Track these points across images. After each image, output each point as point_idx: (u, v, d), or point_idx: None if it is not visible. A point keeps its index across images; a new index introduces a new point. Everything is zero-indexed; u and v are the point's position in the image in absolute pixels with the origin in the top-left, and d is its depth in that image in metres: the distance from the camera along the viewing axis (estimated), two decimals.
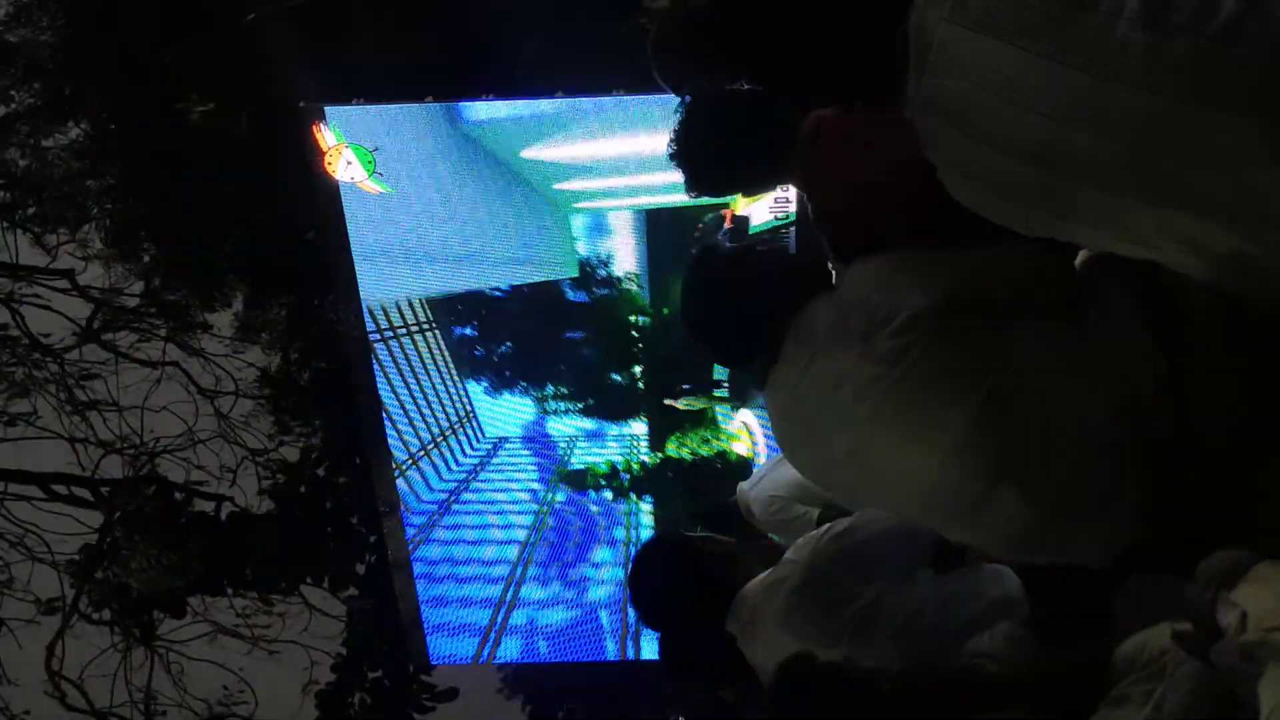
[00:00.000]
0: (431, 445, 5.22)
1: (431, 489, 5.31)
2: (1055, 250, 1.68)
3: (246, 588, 5.92)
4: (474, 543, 5.33)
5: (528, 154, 4.57)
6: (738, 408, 4.88)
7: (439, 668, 5.59)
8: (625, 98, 4.37)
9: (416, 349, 5.01)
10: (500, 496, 5.31)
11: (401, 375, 5.05)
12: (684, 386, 4.93)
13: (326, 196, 4.60)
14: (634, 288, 4.88)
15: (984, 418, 1.47)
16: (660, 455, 4.97)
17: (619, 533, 5.16)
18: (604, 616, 5.28)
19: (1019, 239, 1.55)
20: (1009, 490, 1.47)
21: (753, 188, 2.08)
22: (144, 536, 5.89)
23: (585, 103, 4.46)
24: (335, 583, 5.70)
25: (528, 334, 5.02)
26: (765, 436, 4.76)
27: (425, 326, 4.97)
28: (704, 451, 4.85)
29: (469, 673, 5.52)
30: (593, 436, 5.13)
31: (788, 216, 4.55)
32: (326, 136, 4.42)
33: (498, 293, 4.94)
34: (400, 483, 5.12)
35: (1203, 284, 1.32)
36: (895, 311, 1.56)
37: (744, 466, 4.74)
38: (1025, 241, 1.46)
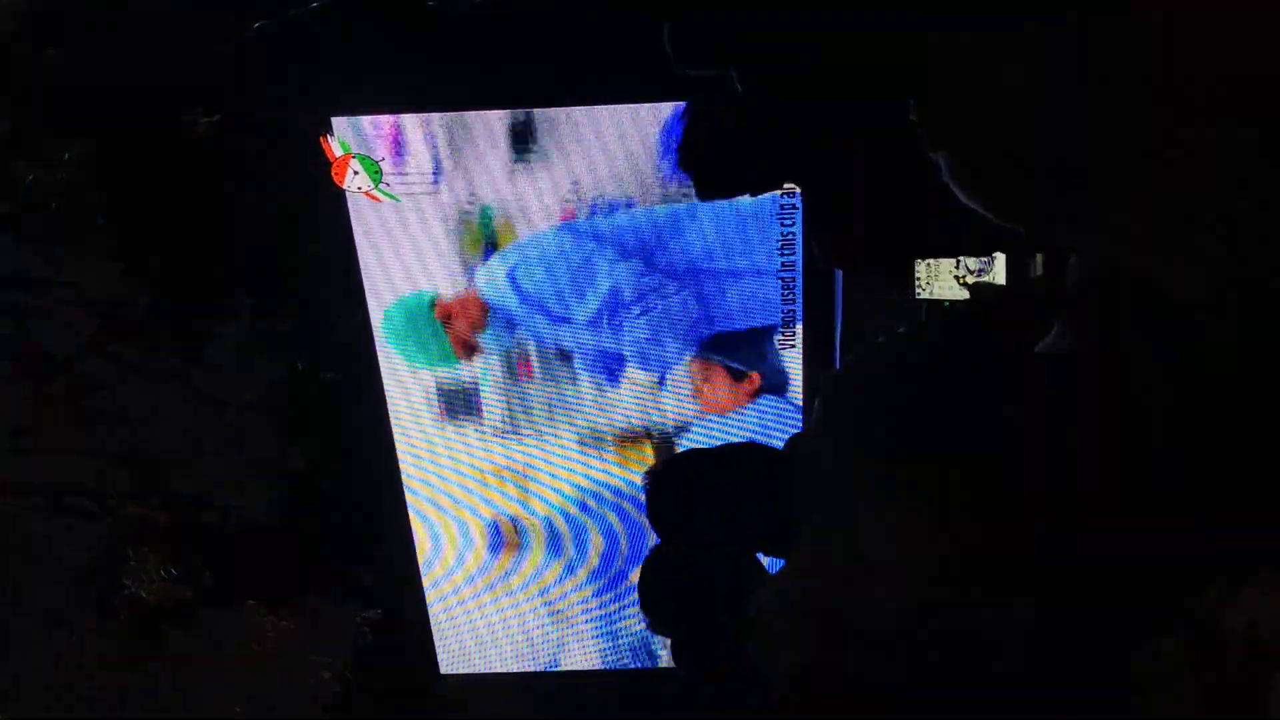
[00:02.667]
0: None
1: None
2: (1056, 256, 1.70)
3: (254, 599, 5.92)
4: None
5: None
6: None
7: (448, 677, 5.59)
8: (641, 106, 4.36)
9: None
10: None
11: None
12: None
13: (333, 207, 4.61)
14: None
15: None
16: None
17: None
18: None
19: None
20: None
21: (755, 189, 2.09)
22: (150, 548, 5.90)
23: None
24: (342, 593, 5.70)
25: None
26: None
27: None
28: None
29: (478, 682, 5.51)
30: None
31: None
32: (333, 147, 4.43)
33: None
34: None
35: (1204, 293, 1.33)
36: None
37: None
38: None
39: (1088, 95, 1.18)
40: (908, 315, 4.07)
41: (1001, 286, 2.84)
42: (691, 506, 1.83)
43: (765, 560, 2.08)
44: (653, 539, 2.07)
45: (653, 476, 1.87)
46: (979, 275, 4.25)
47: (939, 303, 4.27)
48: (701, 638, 2.03)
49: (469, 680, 5.55)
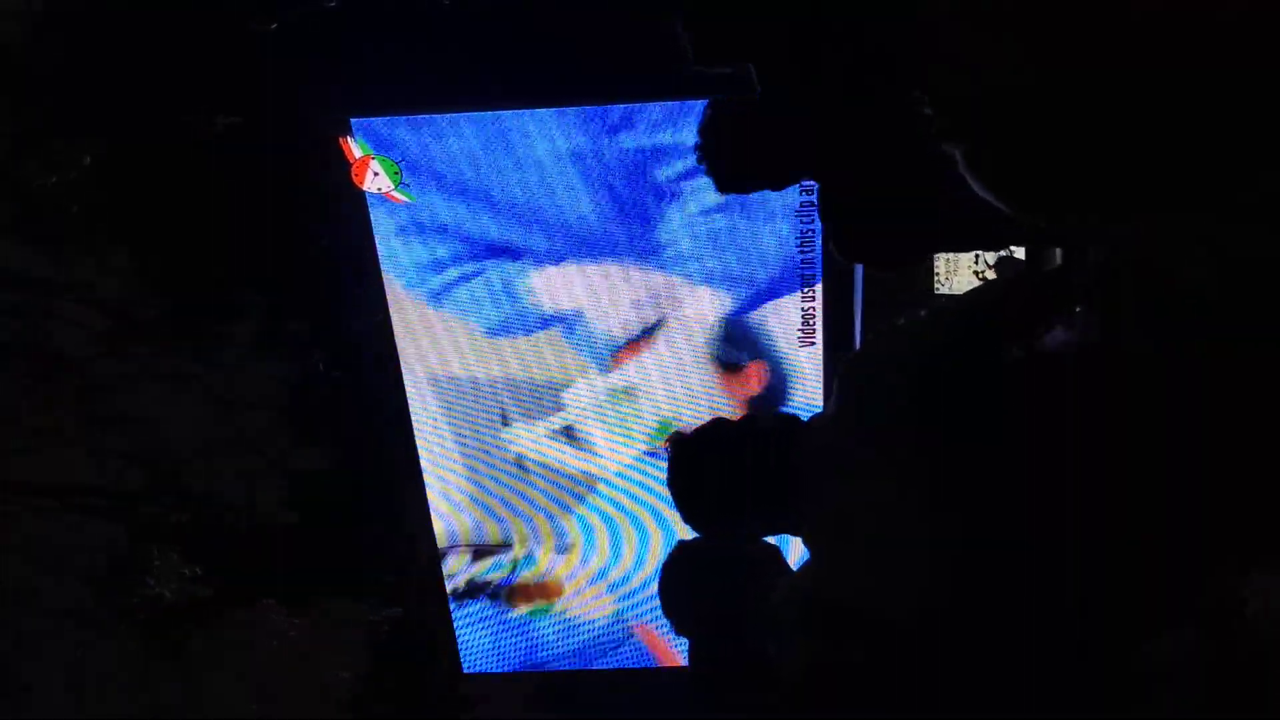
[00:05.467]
0: None
1: None
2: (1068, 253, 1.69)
3: (273, 598, 5.94)
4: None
5: None
6: None
7: (469, 676, 5.60)
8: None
9: None
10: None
11: None
12: None
13: (352, 208, 4.63)
14: None
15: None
16: None
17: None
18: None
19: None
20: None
21: (773, 183, 2.10)
22: (167, 548, 5.94)
23: None
24: (362, 592, 5.71)
25: None
26: None
27: None
28: None
29: (500, 682, 5.52)
30: None
31: None
32: (353, 149, 4.45)
33: None
34: None
35: (1217, 289, 1.31)
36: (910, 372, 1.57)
37: None
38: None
39: (1101, 86, 1.17)
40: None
41: (1018, 273, 2.83)
42: (712, 472, 1.83)
43: (778, 543, 2.08)
44: (676, 535, 2.08)
45: (675, 444, 1.87)
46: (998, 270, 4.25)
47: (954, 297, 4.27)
48: (721, 637, 2.02)
49: (489, 679, 5.56)
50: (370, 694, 5.79)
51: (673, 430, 3.98)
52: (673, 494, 1.88)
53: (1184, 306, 1.32)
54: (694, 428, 1.90)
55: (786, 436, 1.80)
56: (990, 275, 4.28)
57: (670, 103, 4.34)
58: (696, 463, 1.84)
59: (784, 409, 4.33)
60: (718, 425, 1.90)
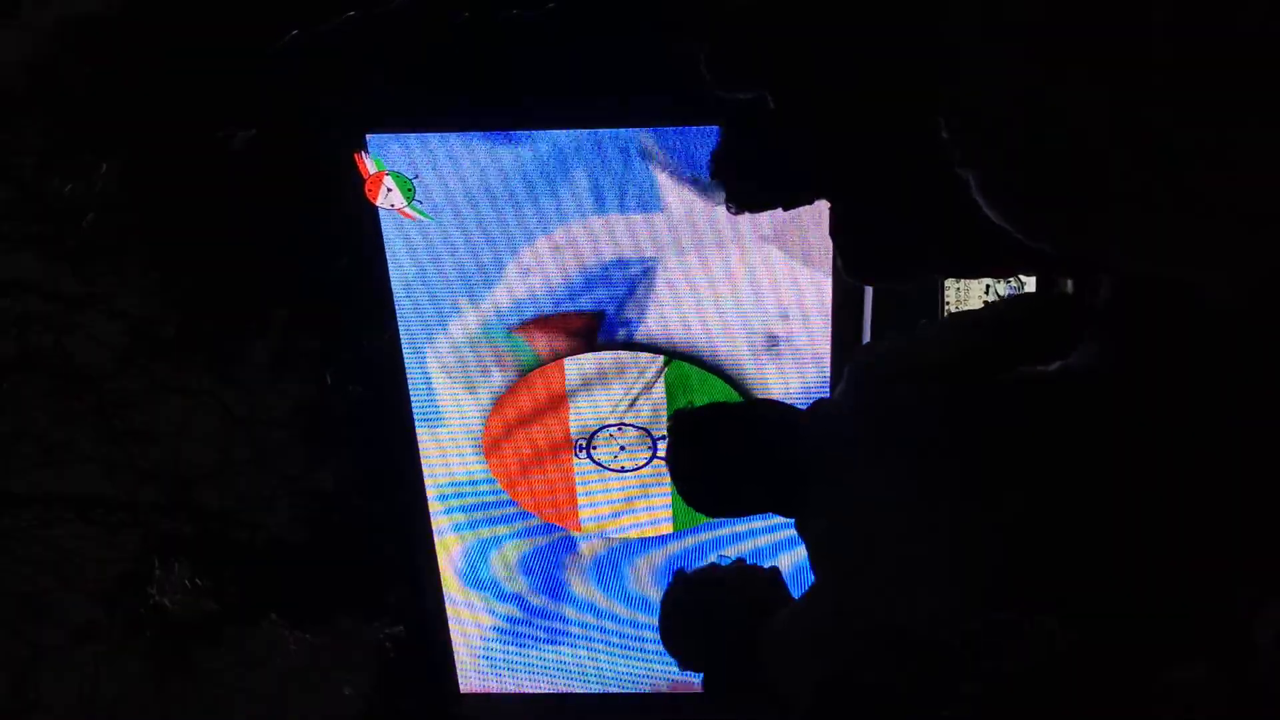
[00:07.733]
0: None
1: None
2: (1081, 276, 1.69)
3: (280, 615, 5.93)
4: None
5: None
6: None
7: (469, 698, 5.58)
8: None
9: None
10: None
11: None
12: None
13: (366, 224, 4.64)
14: None
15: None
16: None
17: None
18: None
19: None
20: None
21: (788, 202, 2.11)
22: (179, 563, 5.94)
23: None
24: (366, 610, 5.70)
25: None
26: None
27: None
28: None
29: (501, 703, 5.50)
30: None
31: None
32: (368, 165, 4.46)
33: None
34: None
35: (1236, 305, 1.31)
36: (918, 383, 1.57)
37: None
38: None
39: (1117, 112, 1.17)
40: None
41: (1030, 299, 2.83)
42: (711, 458, 1.84)
43: (781, 557, 2.07)
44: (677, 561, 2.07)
45: (678, 421, 1.88)
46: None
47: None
48: (728, 666, 2.01)
49: (490, 700, 5.54)
50: (374, 712, 5.77)
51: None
52: (671, 472, 1.89)
53: (1201, 319, 1.33)
54: (697, 407, 1.92)
55: (787, 421, 1.81)
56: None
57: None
58: (697, 440, 1.86)
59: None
60: (719, 408, 1.91)
